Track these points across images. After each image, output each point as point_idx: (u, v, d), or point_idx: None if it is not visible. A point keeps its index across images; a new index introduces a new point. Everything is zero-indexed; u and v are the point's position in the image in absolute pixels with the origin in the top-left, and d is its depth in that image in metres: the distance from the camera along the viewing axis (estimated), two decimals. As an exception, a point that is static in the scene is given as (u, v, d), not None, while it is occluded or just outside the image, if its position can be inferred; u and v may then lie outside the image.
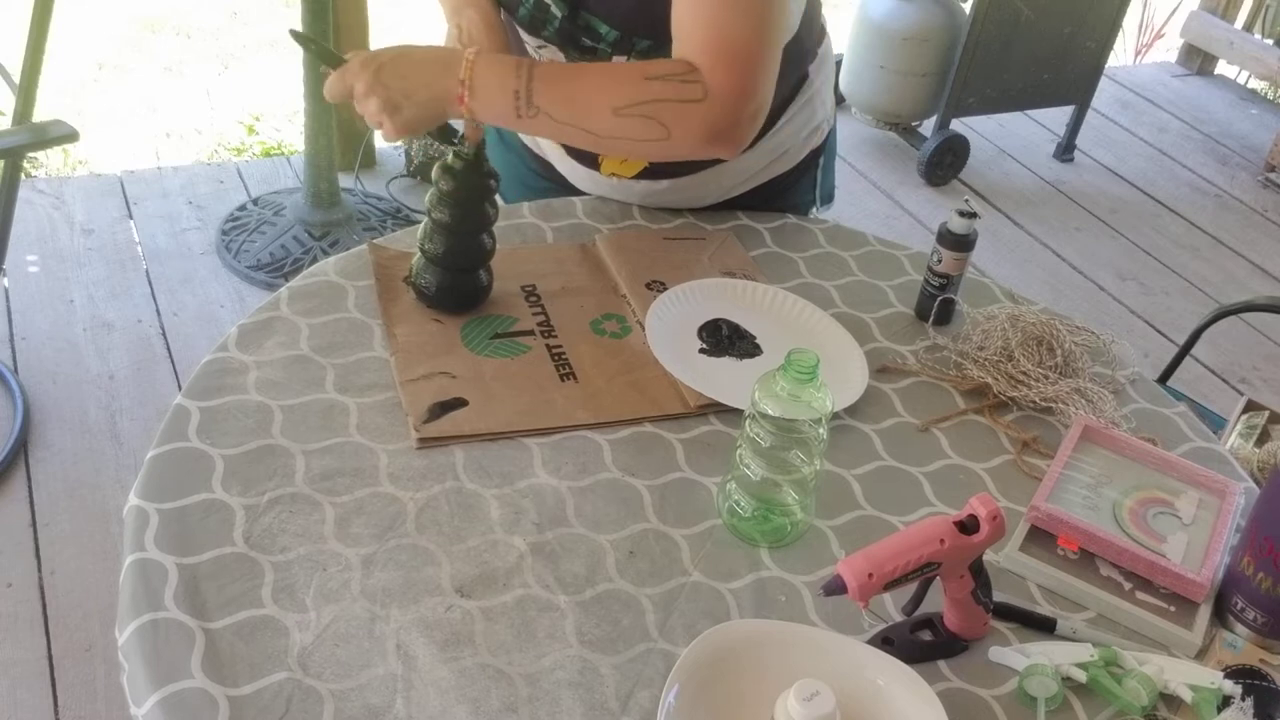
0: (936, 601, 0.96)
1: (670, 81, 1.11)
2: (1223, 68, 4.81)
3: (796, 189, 1.53)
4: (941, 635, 0.97)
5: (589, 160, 1.42)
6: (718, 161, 1.38)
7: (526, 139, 1.52)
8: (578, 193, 1.51)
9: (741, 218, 1.51)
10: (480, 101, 1.13)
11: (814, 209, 1.57)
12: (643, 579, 0.99)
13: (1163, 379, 2.02)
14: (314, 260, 2.80)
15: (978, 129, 3.94)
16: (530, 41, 1.28)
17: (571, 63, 1.25)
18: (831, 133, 1.53)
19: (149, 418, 2.39)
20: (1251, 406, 1.94)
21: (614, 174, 1.42)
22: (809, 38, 1.38)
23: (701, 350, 1.25)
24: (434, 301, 1.24)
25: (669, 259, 1.39)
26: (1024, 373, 1.26)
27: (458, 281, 1.24)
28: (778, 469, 1.01)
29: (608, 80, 1.15)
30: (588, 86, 1.15)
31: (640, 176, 1.42)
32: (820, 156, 1.52)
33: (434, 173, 1.19)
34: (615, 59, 1.23)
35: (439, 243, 1.20)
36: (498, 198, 1.23)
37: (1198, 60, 4.80)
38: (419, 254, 1.23)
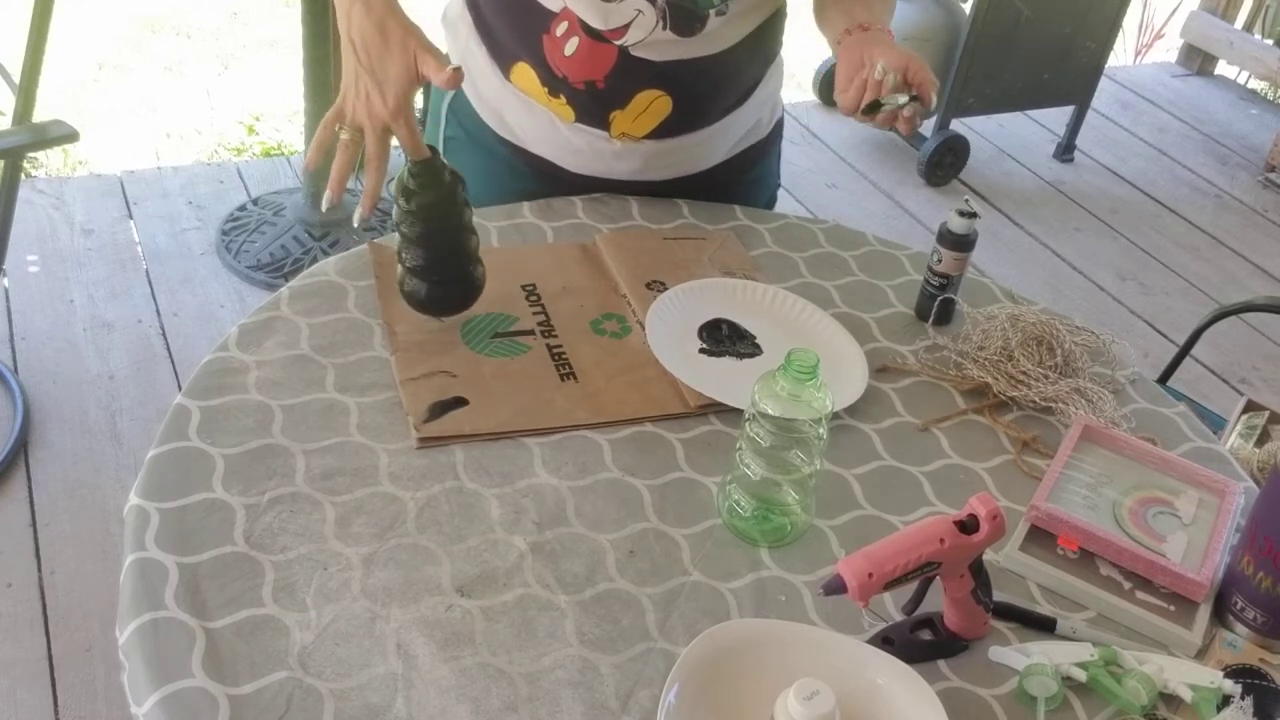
0: (936, 601, 0.96)
1: None
2: (1223, 68, 4.81)
3: (768, 158, 1.60)
4: (941, 635, 0.97)
5: (599, 120, 1.38)
6: (729, 112, 1.44)
7: (512, 132, 1.46)
8: (565, 186, 1.48)
9: (741, 217, 1.51)
10: None
11: (779, 185, 1.65)
12: (643, 578, 0.99)
13: (1163, 379, 2.02)
14: (314, 260, 2.81)
15: (978, 129, 3.94)
16: None
17: None
18: (783, 113, 1.62)
19: (149, 418, 2.39)
20: (1251, 407, 1.94)
21: (624, 134, 1.40)
22: (779, 27, 1.45)
23: (701, 350, 1.25)
24: (426, 307, 1.20)
25: (669, 259, 1.39)
26: (1024, 373, 1.26)
27: (447, 285, 1.20)
28: (778, 469, 1.01)
29: None
30: None
31: (649, 136, 1.41)
32: (782, 128, 1.61)
33: (394, 189, 1.13)
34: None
35: (417, 256, 1.16)
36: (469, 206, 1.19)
37: (1198, 60, 4.80)
38: (399, 266, 1.19)
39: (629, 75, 1.33)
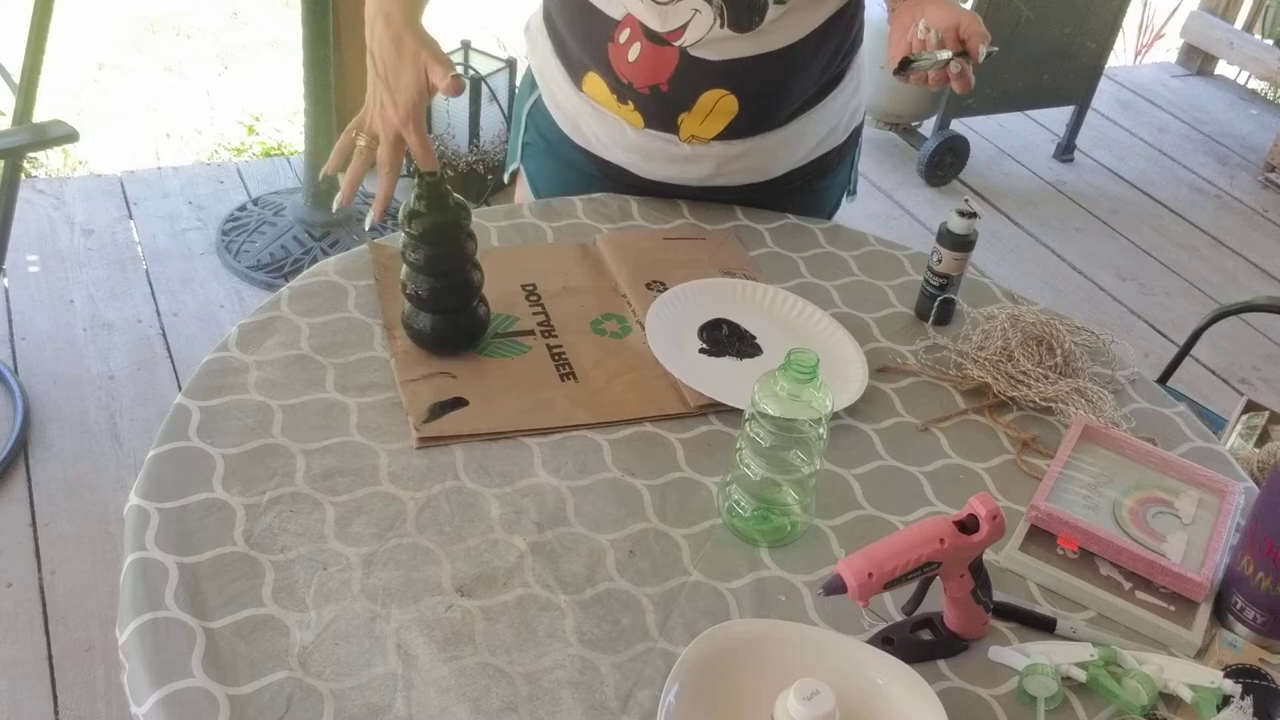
0: (936, 601, 0.96)
1: None
2: (1223, 68, 4.81)
3: (841, 166, 1.58)
4: (941, 635, 0.97)
5: (668, 124, 1.38)
6: (798, 116, 1.43)
7: (586, 139, 1.46)
8: (638, 192, 1.49)
9: (741, 218, 1.51)
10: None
11: (848, 195, 1.63)
12: (643, 579, 0.99)
13: (1163, 379, 2.02)
14: (314, 260, 2.81)
15: (978, 129, 3.94)
16: None
17: None
18: (863, 120, 1.59)
19: (149, 418, 2.39)
20: (1251, 407, 1.94)
21: (693, 136, 1.39)
22: (858, 19, 1.43)
23: (701, 350, 1.25)
24: (431, 345, 1.18)
25: (669, 259, 1.39)
26: (1024, 373, 1.26)
27: (450, 321, 1.18)
28: (778, 469, 1.01)
29: None
30: None
31: (719, 138, 1.40)
32: (860, 136, 1.58)
33: (400, 215, 1.14)
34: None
35: (422, 284, 1.15)
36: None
37: (1198, 60, 4.80)
38: (404, 300, 1.18)
39: (691, 76, 1.33)
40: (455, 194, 1.15)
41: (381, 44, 1.12)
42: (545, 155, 1.54)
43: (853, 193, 1.65)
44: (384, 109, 1.13)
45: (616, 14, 1.31)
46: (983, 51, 1.18)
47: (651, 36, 1.30)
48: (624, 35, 1.32)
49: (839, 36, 1.39)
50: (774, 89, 1.38)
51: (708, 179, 1.46)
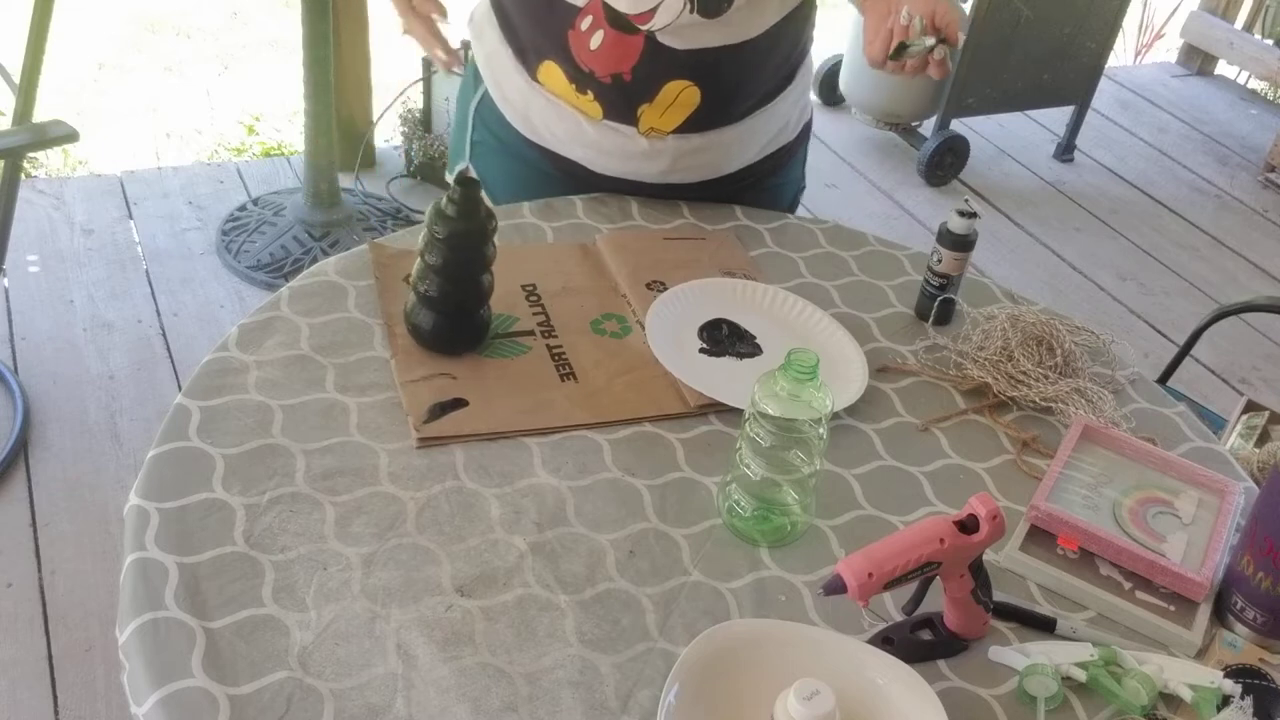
0: (936, 601, 0.96)
1: None
2: (1223, 68, 4.81)
3: (793, 163, 1.59)
4: (941, 635, 0.97)
5: (628, 116, 1.38)
6: (752, 112, 1.44)
7: (539, 134, 1.46)
8: (592, 189, 1.48)
9: (741, 217, 1.51)
10: None
11: (801, 190, 1.65)
12: (643, 579, 0.99)
13: (1163, 379, 2.02)
14: (314, 260, 2.80)
15: (978, 129, 3.94)
16: None
17: None
18: (811, 116, 1.61)
19: (149, 418, 2.39)
20: (1251, 407, 1.94)
21: (653, 129, 1.39)
22: (810, 19, 1.44)
23: (701, 350, 1.25)
24: (431, 344, 1.18)
25: (669, 259, 1.39)
26: (1024, 373, 1.26)
27: (454, 323, 1.19)
28: (778, 469, 1.01)
29: None
30: None
31: (678, 131, 1.40)
32: (809, 132, 1.60)
33: (427, 215, 1.13)
34: None
35: (434, 285, 1.14)
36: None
37: (1198, 60, 4.80)
38: (412, 293, 1.17)
39: (657, 65, 1.33)
40: (487, 203, 1.14)
41: None
42: (497, 154, 1.51)
43: (803, 186, 1.68)
44: None
45: (578, 0, 1.30)
46: (961, 38, 1.20)
47: (616, 23, 1.29)
48: (586, 22, 1.30)
49: (794, 35, 1.41)
50: (734, 82, 1.39)
51: (663, 175, 1.46)
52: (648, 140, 1.41)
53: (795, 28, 1.40)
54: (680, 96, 1.36)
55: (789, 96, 1.49)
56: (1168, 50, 4.95)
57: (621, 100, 1.37)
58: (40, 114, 2.12)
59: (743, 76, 1.39)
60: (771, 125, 1.49)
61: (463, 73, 1.42)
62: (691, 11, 1.28)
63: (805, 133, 1.59)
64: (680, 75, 1.34)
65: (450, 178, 1.60)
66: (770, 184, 1.57)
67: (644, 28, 1.29)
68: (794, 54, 1.45)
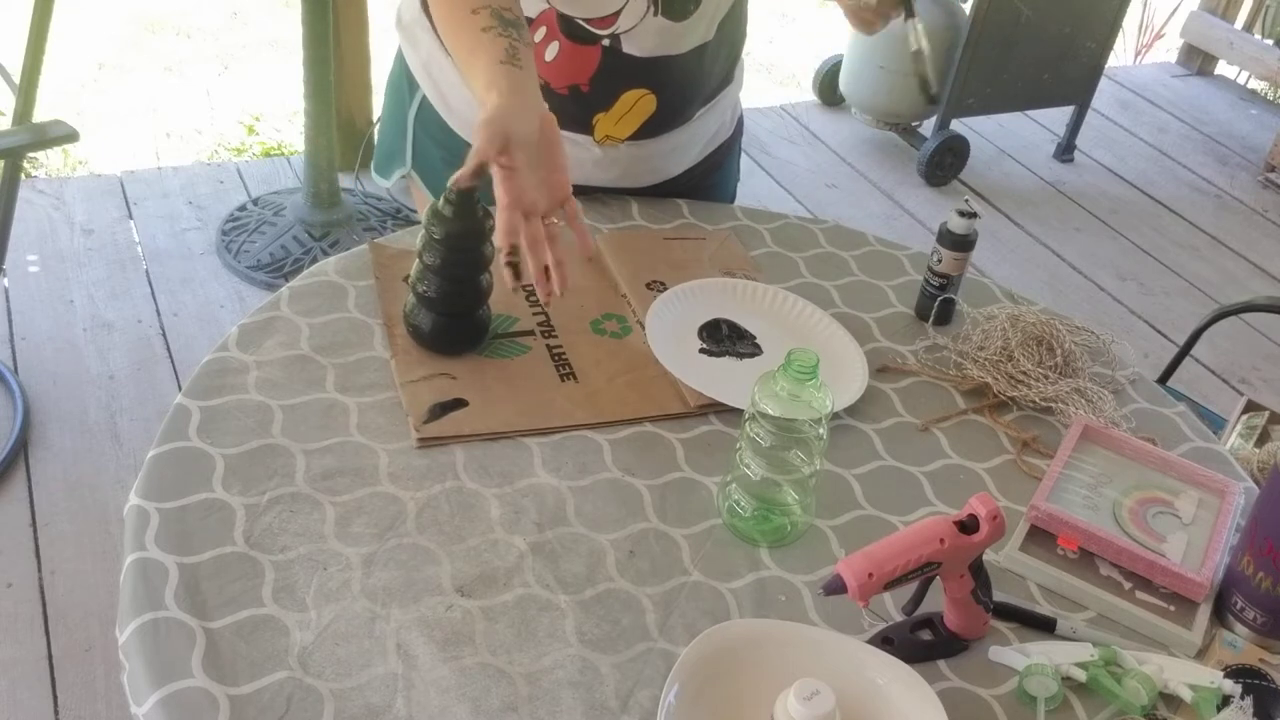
0: (936, 601, 0.96)
1: None
2: (1223, 68, 4.81)
3: (730, 159, 1.61)
4: (941, 635, 0.97)
5: (583, 125, 1.36)
6: (698, 114, 1.45)
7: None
8: None
9: (741, 218, 1.51)
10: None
11: (737, 182, 1.67)
12: (643, 579, 0.99)
13: (1163, 379, 2.02)
14: (314, 260, 2.80)
15: (978, 129, 3.94)
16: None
17: None
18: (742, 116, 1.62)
19: (149, 418, 2.39)
20: (1251, 407, 1.94)
21: (608, 137, 1.38)
22: (745, 14, 1.43)
23: (701, 350, 1.25)
24: (430, 344, 1.18)
25: (669, 259, 1.39)
26: (1024, 373, 1.26)
27: (454, 323, 1.18)
28: (778, 469, 1.01)
29: None
30: None
31: (631, 138, 1.39)
32: (742, 126, 1.61)
33: (424, 216, 1.13)
34: None
35: (432, 285, 1.14)
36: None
37: (1198, 60, 4.80)
38: (411, 294, 1.17)
39: (615, 74, 1.31)
40: (483, 203, 1.13)
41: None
42: (444, 165, 1.41)
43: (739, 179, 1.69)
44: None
45: (530, 11, 1.26)
46: None
47: (573, 34, 1.27)
48: (539, 34, 1.28)
49: (735, 32, 1.41)
50: (687, 86, 1.39)
51: (614, 181, 1.46)
52: (603, 149, 1.40)
53: (734, 25, 1.40)
54: (638, 104, 1.35)
55: (730, 94, 1.50)
56: (1168, 50, 4.95)
57: (577, 110, 1.34)
58: (40, 114, 2.12)
59: (695, 80, 1.38)
60: (712, 124, 1.50)
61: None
62: (656, 14, 1.26)
63: (740, 127, 1.60)
64: (638, 84, 1.33)
65: (386, 181, 1.57)
66: (709, 182, 1.57)
67: (605, 32, 1.27)
68: (734, 51, 1.46)
